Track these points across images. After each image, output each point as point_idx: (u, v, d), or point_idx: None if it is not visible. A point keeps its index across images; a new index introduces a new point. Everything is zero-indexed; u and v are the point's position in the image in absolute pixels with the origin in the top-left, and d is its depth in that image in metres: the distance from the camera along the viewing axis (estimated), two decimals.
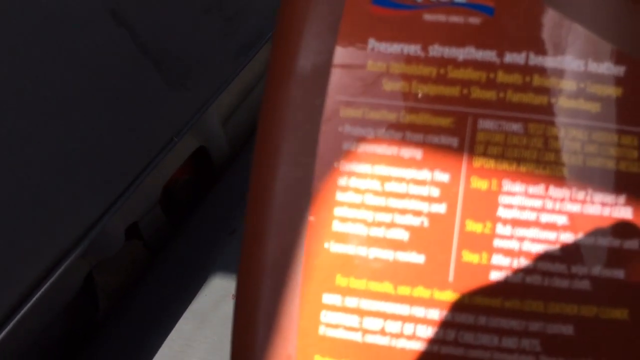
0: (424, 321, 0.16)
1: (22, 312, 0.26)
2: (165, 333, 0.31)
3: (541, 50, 0.15)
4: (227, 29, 0.40)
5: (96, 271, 0.32)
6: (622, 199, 0.16)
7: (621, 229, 0.16)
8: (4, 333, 0.25)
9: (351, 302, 0.16)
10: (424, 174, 0.16)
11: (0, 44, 0.28)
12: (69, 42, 0.31)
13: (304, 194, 0.16)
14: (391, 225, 0.16)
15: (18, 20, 0.29)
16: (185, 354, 0.31)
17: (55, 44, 0.30)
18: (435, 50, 0.16)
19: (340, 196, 0.16)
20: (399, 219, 0.16)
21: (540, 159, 0.16)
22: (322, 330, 0.16)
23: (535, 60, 0.15)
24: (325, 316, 0.16)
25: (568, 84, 0.15)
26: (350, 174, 0.16)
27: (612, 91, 0.15)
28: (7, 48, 0.28)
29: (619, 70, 0.15)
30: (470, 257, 0.16)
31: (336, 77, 0.16)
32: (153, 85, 0.35)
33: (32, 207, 0.27)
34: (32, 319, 0.27)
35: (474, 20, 0.16)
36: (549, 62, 0.15)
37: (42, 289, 0.27)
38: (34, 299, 0.27)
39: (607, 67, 0.15)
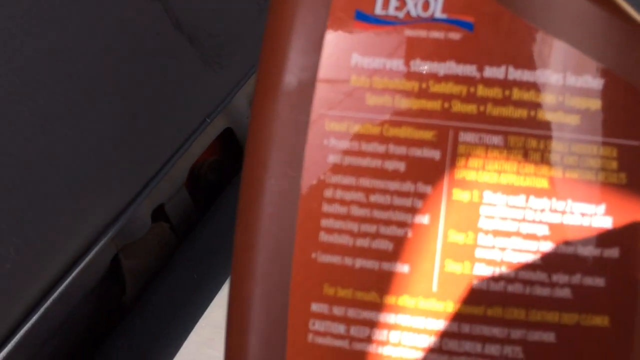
0: (409, 329, 0.16)
1: (54, 296, 0.26)
2: (195, 318, 0.31)
3: (520, 65, 0.16)
4: (264, 3, 0.39)
5: (123, 254, 0.32)
6: (601, 209, 0.16)
7: (601, 238, 0.16)
8: (36, 316, 0.26)
9: (338, 310, 0.17)
10: (408, 186, 0.16)
11: (34, 21, 0.27)
12: (102, 17, 0.30)
13: (291, 205, 0.17)
14: (376, 235, 0.16)
15: None
16: (214, 341, 0.30)
17: (88, 20, 0.30)
18: (417, 65, 0.16)
19: (326, 208, 0.17)
20: (384, 229, 0.16)
21: (520, 171, 0.16)
22: (311, 338, 0.17)
23: (514, 74, 0.16)
24: (314, 324, 0.17)
25: (547, 97, 0.16)
26: (336, 186, 0.17)
27: (591, 104, 0.16)
28: (39, 25, 0.27)
29: (598, 83, 0.16)
30: (453, 266, 0.16)
31: (321, 91, 0.17)
32: (188, 63, 0.34)
33: (64, 190, 0.28)
34: (61, 302, 0.27)
35: (454, 35, 0.16)
36: (528, 76, 0.16)
37: (73, 273, 0.27)
38: (65, 282, 0.27)
39: (585, 80, 0.16)
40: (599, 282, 0.16)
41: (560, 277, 0.16)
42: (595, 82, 0.16)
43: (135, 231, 0.32)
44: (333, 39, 0.16)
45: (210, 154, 0.39)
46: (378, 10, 0.16)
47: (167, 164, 0.32)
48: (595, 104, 0.16)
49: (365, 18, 0.16)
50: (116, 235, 0.30)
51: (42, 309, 0.26)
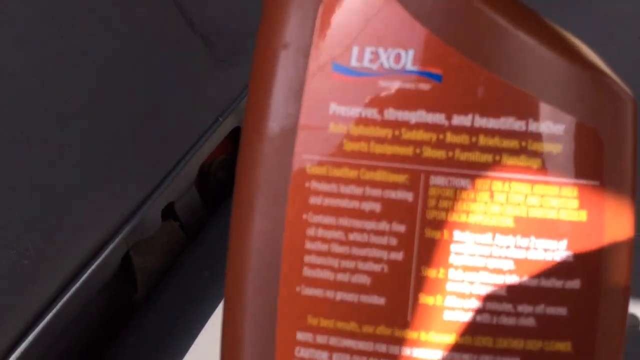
0: (386, 356, 0.18)
1: (69, 292, 0.27)
2: (206, 316, 0.32)
3: (485, 113, 0.17)
4: None
5: (133, 252, 0.33)
6: (563, 244, 0.17)
7: (563, 271, 0.17)
8: (51, 314, 0.26)
9: (322, 339, 0.18)
10: (383, 225, 0.18)
11: (50, 22, 0.28)
12: (117, 17, 0.30)
13: (276, 242, 0.18)
14: (355, 271, 0.18)
15: None
16: None
17: (103, 19, 0.30)
18: (390, 113, 0.17)
19: (309, 245, 0.18)
20: (362, 265, 0.18)
21: (487, 211, 0.17)
22: None
23: (480, 122, 0.17)
24: (299, 352, 0.18)
25: (511, 143, 0.17)
26: (318, 225, 0.18)
27: (551, 148, 0.17)
28: (56, 26, 0.28)
29: (558, 128, 0.17)
30: (425, 299, 0.17)
31: (302, 137, 0.18)
32: (200, 62, 0.35)
33: (79, 189, 0.28)
34: (75, 300, 0.28)
35: (424, 86, 0.17)
36: (493, 123, 0.17)
37: (88, 271, 0.28)
38: (80, 280, 0.28)
39: (546, 126, 0.17)
40: (562, 311, 0.17)
41: (525, 308, 0.17)
42: (556, 127, 0.17)
43: (145, 229, 0.32)
44: (312, 89, 0.18)
45: (219, 152, 0.39)
46: (353, 62, 0.17)
47: (180, 163, 0.33)
48: (557, 148, 0.17)
49: (342, 69, 0.17)
50: (127, 234, 0.30)
51: (57, 306, 0.27)
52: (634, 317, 0.30)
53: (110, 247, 0.29)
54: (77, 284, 0.28)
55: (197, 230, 0.37)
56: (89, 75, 0.29)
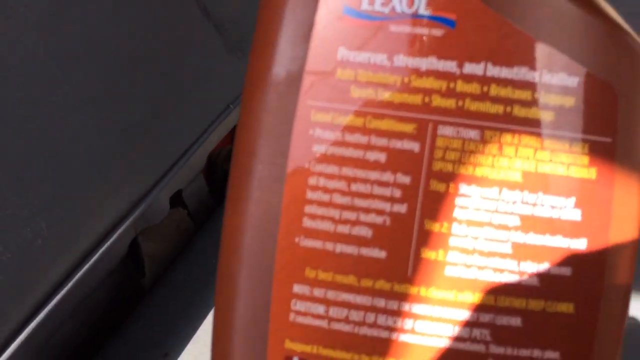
0: (384, 311, 0.17)
1: (79, 274, 0.27)
2: (213, 302, 0.31)
3: (499, 62, 0.16)
4: None
5: (142, 238, 0.33)
6: (571, 202, 0.17)
7: (569, 229, 0.17)
8: (60, 295, 0.26)
9: (319, 292, 0.18)
10: (387, 176, 0.17)
11: (68, 8, 0.28)
12: (133, 4, 0.30)
13: (277, 192, 0.18)
14: (356, 223, 0.17)
15: None
16: None
17: (120, 6, 0.30)
18: (400, 60, 0.17)
19: (310, 195, 0.17)
20: (364, 217, 0.17)
21: (495, 164, 0.17)
22: (292, 317, 0.18)
23: (492, 71, 0.16)
24: (295, 305, 0.18)
25: (523, 94, 0.16)
26: (320, 174, 0.17)
27: (564, 101, 0.16)
28: (76, 12, 0.28)
29: (572, 81, 0.16)
30: (427, 253, 0.17)
31: (308, 83, 0.17)
32: (213, 50, 0.34)
33: (92, 173, 0.28)
34: (83, 283, 0.28)
35: (437, 32, 0.16)
36: (506, 73, 0.16)
37: (97, 254, 0.28)
38: (89, 262, 0.28)
39: (560, 78, 0.16)
40: (566, 271, 0.17)
41: (528, 266, 0.17)
42: (570, 80, 0.16)
43: (153, 216, 0.32)
44: (321, 32, 0.17)
45: (227, 142, 0.39)
46: (365, 5, 0.17)
47: (188, 151, 0.33)
48: (570, 101, 0.16)
49: (352, 13, 0.17)
50: (136, 219, 0.30)
51: (66, 288, 0.27)
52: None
53: (119, 232, 0.29)
54: (86, 267, 0.28)
55: (204, 218, 0.38)
56: (100, 62, 0.29)
